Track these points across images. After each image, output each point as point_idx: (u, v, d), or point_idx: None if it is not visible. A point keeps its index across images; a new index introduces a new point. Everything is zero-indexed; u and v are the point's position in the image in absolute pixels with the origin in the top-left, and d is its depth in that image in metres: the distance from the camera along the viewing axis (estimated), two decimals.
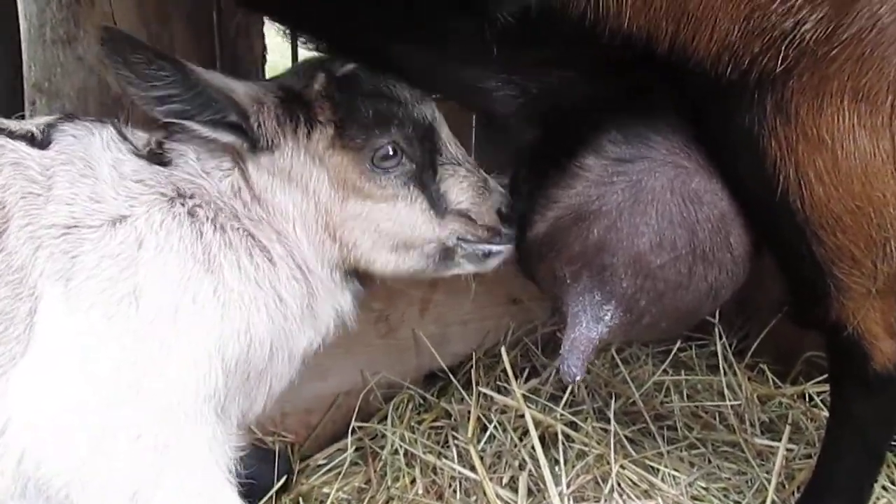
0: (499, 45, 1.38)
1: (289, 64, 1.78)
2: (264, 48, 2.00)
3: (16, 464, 1.21)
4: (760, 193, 1.43)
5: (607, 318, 1.53)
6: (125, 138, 1.40)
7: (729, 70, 1.28)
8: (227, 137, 1.36)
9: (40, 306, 1.23)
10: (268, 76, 2.10)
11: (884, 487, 2.02)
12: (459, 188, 1.53)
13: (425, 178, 1.49)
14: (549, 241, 1.58)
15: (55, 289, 1.24)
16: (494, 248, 1.57)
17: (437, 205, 1.50)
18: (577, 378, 1.53)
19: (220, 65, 1.84)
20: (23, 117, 1.83)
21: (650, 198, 1.47)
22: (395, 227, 1.47)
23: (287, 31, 1.64)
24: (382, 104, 1.46)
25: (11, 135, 1.33)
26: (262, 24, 1.90)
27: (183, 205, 1.36)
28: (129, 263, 1.28)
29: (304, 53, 1.64)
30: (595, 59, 1.42)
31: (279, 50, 1.99)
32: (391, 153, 1.44)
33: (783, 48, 1.27)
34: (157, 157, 1.39)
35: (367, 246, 1.47)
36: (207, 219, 1.37)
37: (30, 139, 1.33)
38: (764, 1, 1.24)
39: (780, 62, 1.28)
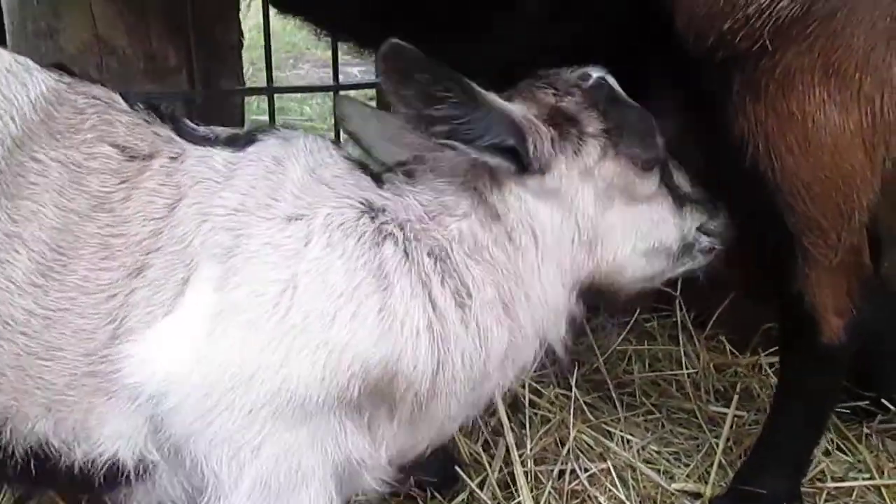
0: (530, 28, 1.31)
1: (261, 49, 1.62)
2: (241, 34, 1.84)
3: (149, 411, 1.12)
4: (731, 164, 1.31)
5: None
6: (334, 149, 1.26)
7: (696, 43, 1.14)
8: (496, 161, 1.16)
9: (194, 277, 1.13)
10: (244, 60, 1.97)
11: (829, 453, 1.89)
12: (681, 175, 1.36)
13: (665, 174, 1.33)
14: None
15: (211, 262, 1.13)
16: (718, 239, 1.39)
17: (678, 198, 1.34)
18: None
19: (196, 51, 1.67)
20: None
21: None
22: (654, 227, 1.30)
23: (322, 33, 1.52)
24: (640, 109, 1.31)
25: (215, 142, 1.23)
26: (237, 10, 1.74)
27: (372, 219, 1.19)
28: (292, 255, 1.13)
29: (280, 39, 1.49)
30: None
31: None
32: (657, 157, 1.29)
33: (757, 26, 1.13)
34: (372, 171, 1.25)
35: (625, 253, 1.29)
36: (394, 239, 1.18)
37: (230, 142, 1.23)
38: None
39: (753, 41, 1.14)
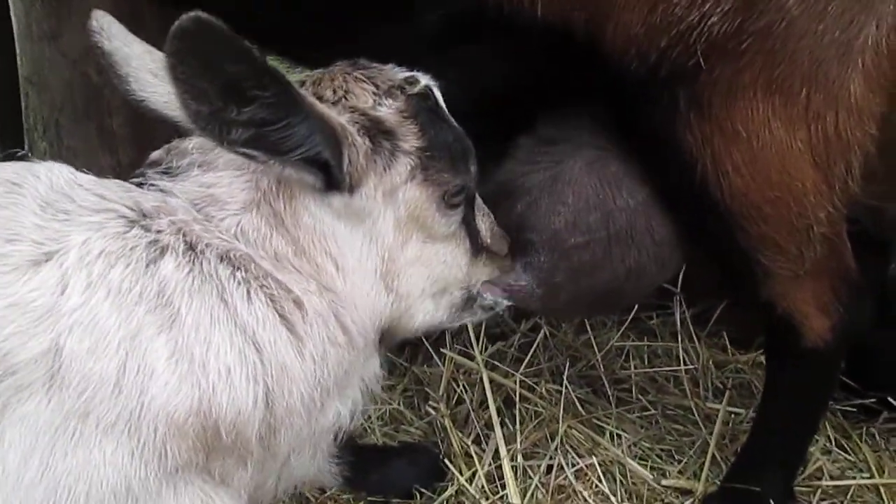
0: (433, 46, 1.31)
1: None
2: None
3: None
4: (680, 185, 1.37)
5: (518, 287, 1.44)
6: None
7: (636, 64, 1.20)
8: (302, 176, 1.02)
9: None
10: None
11: (827, 451, 1.96)
12: (486, 222, 1.29)
13: (468, 216, 1.24)
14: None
15: None
16: (503, 300, 1.34)
17: (475, 245, 1.25)
18: None
19: None
20: (20, 108, 1.86)
21: (568, 178, 1.43)
22: (446, 270, 1.20)
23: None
24: (459, 130, 1.19)
25: None
26: None
27: (144, 228, 0.99)
28: (46, 313, 0.92)
29: None
30: (523, 51, 1.35)
31: None
32: (462, 188, 1.18)
33: (691, 42, 1.19)
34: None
35: (416, 294, 1.17)
36: (176, 250, 0.99)
37: None
38: None
39: (689, 57, 1.20)
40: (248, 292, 1.01)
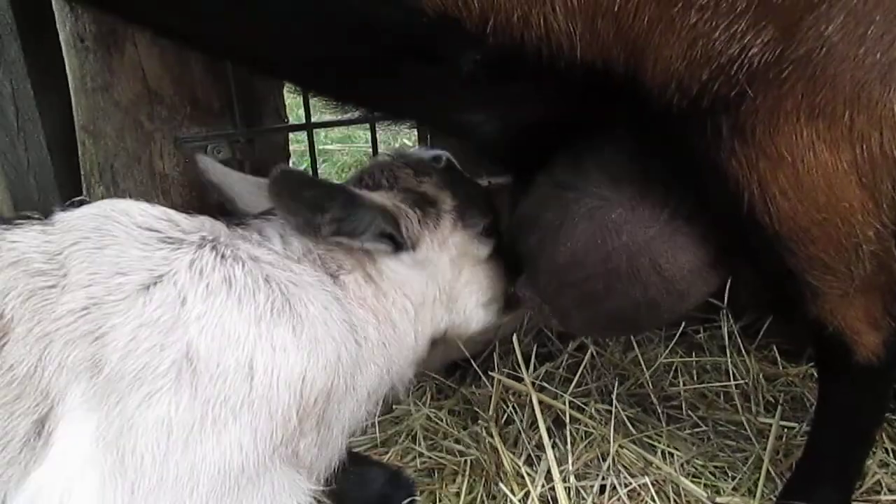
0: (469, 87, 1.39)
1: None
2: (282, 86, 2.04)
3: None
4: (728, 212, 1.39)
5: (536, 305, 1.66)
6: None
7: (677, 97, 1.24)
8: (380, 247, 1.37)
9: (53, 412, 1.02)
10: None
11: (885, 464, 1.96)
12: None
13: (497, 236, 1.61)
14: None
15: (78, 384, 1.03)
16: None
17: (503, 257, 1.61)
18: None
19: (237, 99, 1.88)
20: (76, 155, 1.97)
21: (572, 223, 1.56)
22: (492, 282, 1.57)
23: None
24: (474, 182, 1.61)
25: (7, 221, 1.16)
26: None
27: (245, 242, 1.23)
28: (172, 324, 1.07)
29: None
30: (561, 89, 1.40)
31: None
32: (491, 223, 1.57)
33: (732, 73, 1.22)
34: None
35: (472, 305, 1.54)
36: (276, 251, 1.27)
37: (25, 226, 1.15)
38: (706, 29, 1.19)
39: (731, 87, 1.23)
40: (338, 300, 1.29)
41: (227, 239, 1.21)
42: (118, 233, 1.13)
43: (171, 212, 1.22)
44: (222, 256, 1.16)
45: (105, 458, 1.02)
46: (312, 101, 1.98)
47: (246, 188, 1.51)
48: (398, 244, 1.39)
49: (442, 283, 1.46)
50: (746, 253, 1.47)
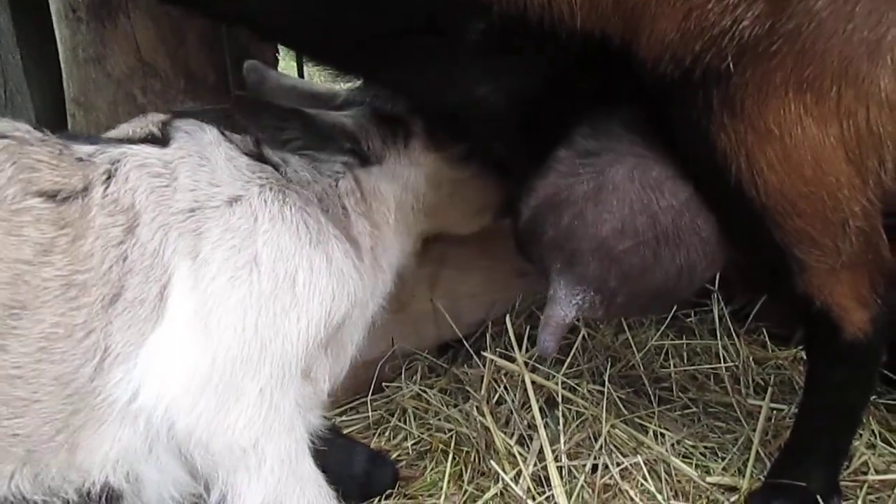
0: (474, 58, 1.44)
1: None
2: (276, 52, 2.08)
3: (144, 426, 1.31)
4: (716, 184, 1.44)
5: (579, 299, 1.60)
6: (228, 139, 1.53)
7: (671, 68, 1.29)
8: (343, 159, 1.57)
9: (170, 284, 1.32)
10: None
11: (872, 445, 2.02)
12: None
13: (487, 153, 1.74)
14: (532, 227, 1.66)
15: (183, 265, 1.33)
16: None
17: (500, 169, 1.75)
18: (550, 352, 1.62)
19: (232, 72, 1.92)
20: (66, 128, 2.00)
21: (612, 187, 1.53)
22: (479, 193, 1.76)
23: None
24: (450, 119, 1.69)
25: (132, 141, 1.45)
26: None
27: (291, 190, 1.49)
28: (248, 233, 1.39)
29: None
30: (564, 61, 1.45)
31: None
32: (469, 148, 1.70)
33: (724, 45, 1.27)
34: (262, 157, 1.53)
35: (457, 216, 1.77)
36: (312, 203, 1.51)
37: (151, 140, 1.45)
38: (700, 1, 1.24)
39: (722, 59, 1.28)
40: (349, 227, 1.57)
41: (278, 185, 1.49)
42: (213, 157, 1.46)
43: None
44: (278, 197, 1.46)
45: (197, 327, 1.32)
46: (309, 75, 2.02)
47: (279, 93, 1.72)
48: (364, 158, 1.58)
49: (417, 196, 1.66)
50: (735, 226, 1.52)
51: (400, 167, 1.63)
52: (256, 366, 1.35)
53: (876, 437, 2.04)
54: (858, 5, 1.26)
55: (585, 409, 2.10)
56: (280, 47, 2.00)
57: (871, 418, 2.08)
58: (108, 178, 1.34)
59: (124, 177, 1.35)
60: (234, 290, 1.35)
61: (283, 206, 1.45)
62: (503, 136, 1.68)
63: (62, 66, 1.91)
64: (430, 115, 1.63)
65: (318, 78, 2.01)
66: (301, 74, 2.10)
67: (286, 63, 2.26)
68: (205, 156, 1.44)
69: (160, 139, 1.44)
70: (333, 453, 1.88)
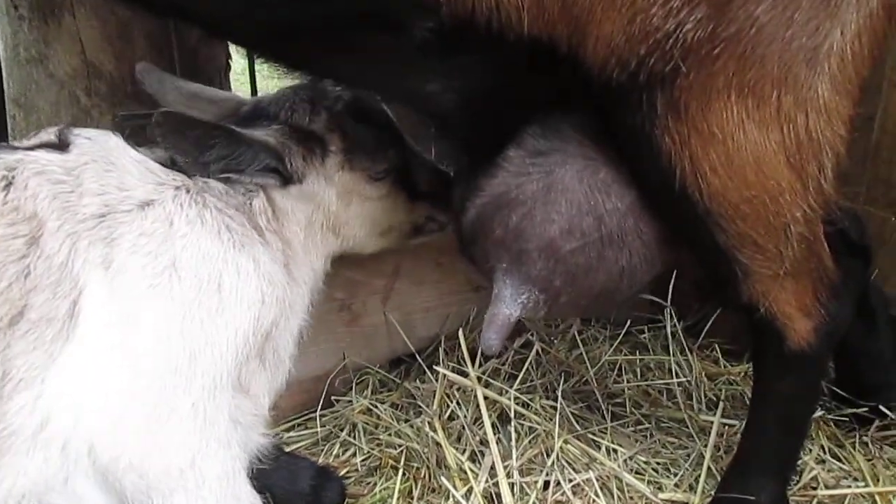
0: (424, 56, 1.45)
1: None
2: (228, 56, 2.08)
3: (59, 453, 1.23)
4: (661, 187, 1.47)
5: (524, 298, 1.63)
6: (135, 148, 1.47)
7: (616, 72, 1.32)
8: (267, 180, 1.56)
9: (82, 298, 1.24)
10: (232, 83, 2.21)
11: (822, 461, 2.06)
12: (423, 175, 1.80)
13: (400, 177, 1.77)
14: (478, 227, 1.68)
15: (96, 276, 1.26)
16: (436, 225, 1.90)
17: (412, 193, 1.79)
18: (495, 351, 1.66)
19: (182, 73, 1.91)
20: (5, 129, 1.96)
21: (561, 188, 1.55)
22: (385, 215, 1.75)
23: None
24: (375, 131, 1.69)
25: (28, 148, 1.36)
26: None
27: (207, 194, 1.45)
28: (164, 238, 1.33)
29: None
30: (512, 62, 1.47)
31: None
32: (385, 169, 1.72)
33: (668, 49, 1.31)
34: (174, 162, 1.48)
35: (363, 235, 1.74)
36: (232, 207, 1.47)
37: (48, 146, 1.37)
38: (645, 4, 1.29)
39: (666, 63, 1.32)
40: (271, 237, 1.55)
41: (195, 188, 1.44)
42: (119, 161, 1.40)
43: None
44: (196, 200, 1.42)
45: (115, 342, 1.26)
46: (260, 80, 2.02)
47: (179, 99, 1.69)
48: (286, 177, 1.57)
49: (327, 214, 1.66)
50: (681, 230, 1.55)
51: (317, 186, 1.62)
52: (187, 378, 1.29)
53: (825, 453, 2.08)
54: (797, 13, 1.30)
55: (538, 424, 2.11)
56: (232, 47, 2.00)
57: (820, 433, 2.12)
58: (8, 185, 1.25)
59: (23, 184, 1.26)
60: (154, 298, 1.28)
61: (202, 210, 1.40)
62: (452, 134, 1.69)
63: (2, 65, 1.88)
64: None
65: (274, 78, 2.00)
66: (252, 73, 2.09)
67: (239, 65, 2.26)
68: (110, 160, 1.37)
69: (58, 145, 1.36)
70: (278, 470, 1.86)
